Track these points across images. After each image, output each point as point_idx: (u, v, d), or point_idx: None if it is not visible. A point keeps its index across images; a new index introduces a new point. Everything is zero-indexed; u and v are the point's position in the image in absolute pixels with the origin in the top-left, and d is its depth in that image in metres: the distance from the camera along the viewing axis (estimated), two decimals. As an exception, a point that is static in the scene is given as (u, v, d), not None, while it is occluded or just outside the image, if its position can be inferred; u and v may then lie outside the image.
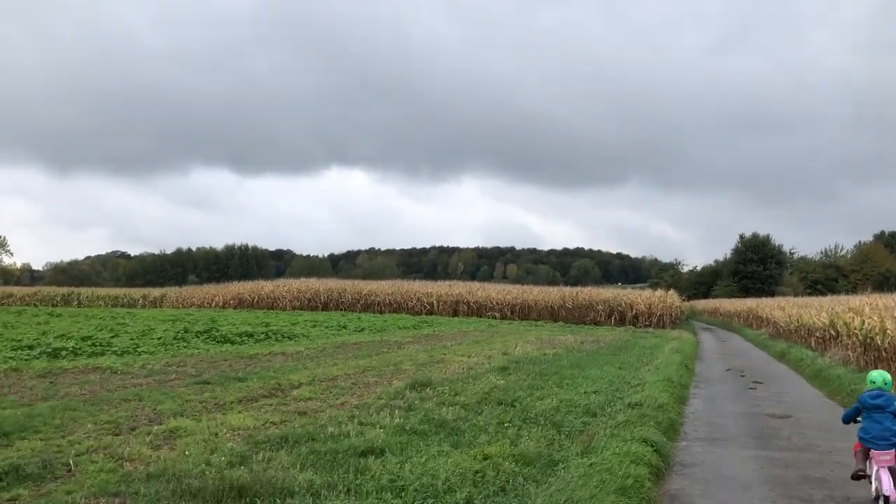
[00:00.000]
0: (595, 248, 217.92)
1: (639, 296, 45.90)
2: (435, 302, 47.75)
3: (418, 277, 64.48)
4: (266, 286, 52.06)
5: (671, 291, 48.46)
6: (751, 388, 14.95)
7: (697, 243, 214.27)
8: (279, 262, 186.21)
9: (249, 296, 50.81)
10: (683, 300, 53.88)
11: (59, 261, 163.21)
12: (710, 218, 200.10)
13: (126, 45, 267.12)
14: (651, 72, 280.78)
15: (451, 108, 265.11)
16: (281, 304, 49.92)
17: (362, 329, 28.31)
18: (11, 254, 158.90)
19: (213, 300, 51.19)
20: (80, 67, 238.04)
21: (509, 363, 16.29)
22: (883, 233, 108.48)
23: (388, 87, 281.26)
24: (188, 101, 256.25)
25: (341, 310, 48.35)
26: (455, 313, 47.04)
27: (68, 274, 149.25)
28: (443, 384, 11.51)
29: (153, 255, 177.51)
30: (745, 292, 77.96)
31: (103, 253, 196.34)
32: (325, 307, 49.15)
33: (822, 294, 58.05)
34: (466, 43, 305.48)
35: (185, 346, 17.17)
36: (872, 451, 6.20)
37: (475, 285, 50.42)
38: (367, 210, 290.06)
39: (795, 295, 59.12)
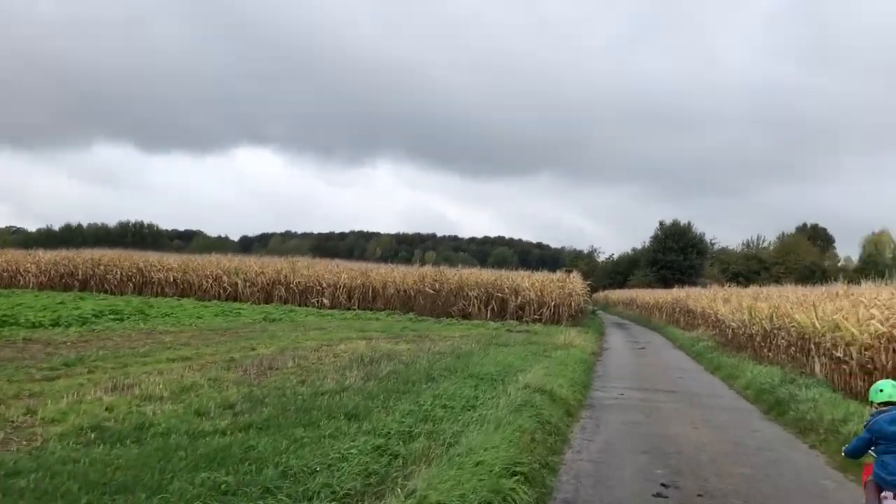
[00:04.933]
0: (515, 237, 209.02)
1: (527, 279, 32.66)
2: (240, 283, 33.34)
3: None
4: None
5: (574, 274, 35.40)
6: None
7: (612, 236, 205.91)
8: (186, 243, 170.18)
9: (-28, 270, 35.05)
10: (590, 288, 41.30)
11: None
12: (622, 211, 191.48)
13: (18, 11, 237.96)
14: (561, 65, 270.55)
15: (366, 92, 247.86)
16: (24, 281, 34.55)
17: None
18: None
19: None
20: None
21: None
22: (805, 225, 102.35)
23: (299, 66, 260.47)
24: (87, 71, 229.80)
25: (105, 290, 33.46)
26: (269, 299, 32.84)
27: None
28: None
29: (40, 230, 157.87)
30: (664, 283, 68.07)
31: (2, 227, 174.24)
32: (84, 286, 34.03)
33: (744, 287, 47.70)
34: (379, 23, 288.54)
35: None
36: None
37: (302, 262, 36.11)
38: (282, 192, 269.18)
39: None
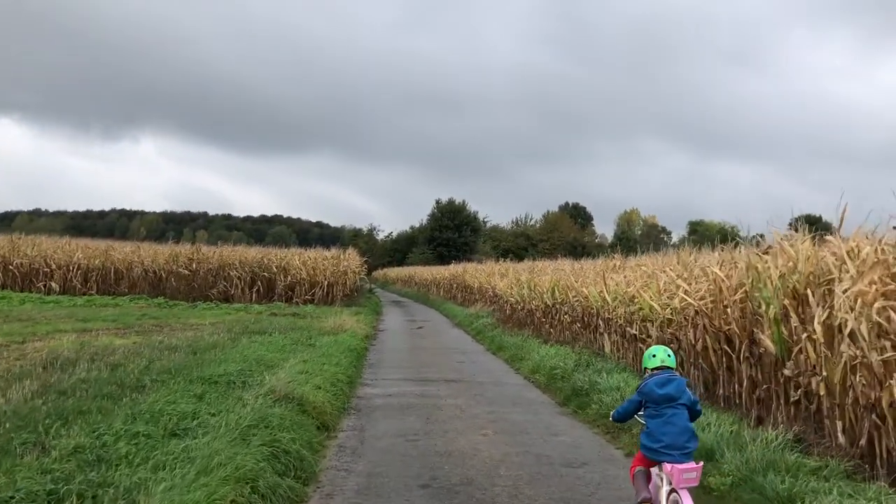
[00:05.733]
0: (294, 215, 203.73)
1: (297, 257, 29.96)
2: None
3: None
4: None
5: (350, 251, 33.38)
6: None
7: (392, 214, 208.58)
8: None
9: None
10: (368, 266, 39.69)
11: None
12: (401, 190, 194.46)
13: None
14: (340, 43, 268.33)
15: (127, 59, 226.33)
16: None
17: None
18: None
19: None
20: None
21: None
22: (567, 204, 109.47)
23: (48, 26, 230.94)
24: None
25: None
26: (-21, 284, 27.00)
27: None
28: None
29: None
30: (441, 260, 69.11)
31: None
32: None
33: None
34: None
35: None
36: (667, 466, 4.20)
37: (26, 239, 30.09)
38: (29, 166, 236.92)
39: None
